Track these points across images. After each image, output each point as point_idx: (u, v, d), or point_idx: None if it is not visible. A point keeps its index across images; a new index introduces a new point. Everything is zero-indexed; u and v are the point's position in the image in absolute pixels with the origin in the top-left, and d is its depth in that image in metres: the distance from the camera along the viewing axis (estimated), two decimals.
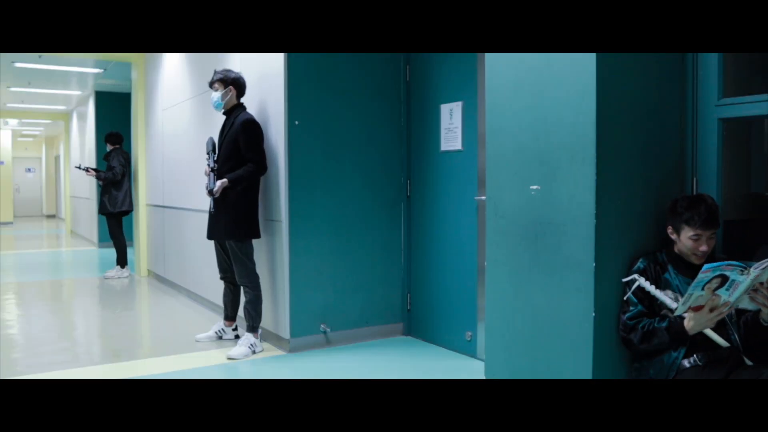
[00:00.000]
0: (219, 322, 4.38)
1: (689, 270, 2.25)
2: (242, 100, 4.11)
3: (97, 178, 7.17)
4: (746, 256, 2.25)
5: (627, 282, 2.29)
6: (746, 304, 2.07)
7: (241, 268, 3.98)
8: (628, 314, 2.28)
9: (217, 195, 3.89)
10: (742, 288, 1.98)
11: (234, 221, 3.92)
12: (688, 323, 2.13)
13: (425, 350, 4.09)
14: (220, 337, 4.33)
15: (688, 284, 2.23)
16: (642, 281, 2.24)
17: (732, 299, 2.02)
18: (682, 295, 2.22)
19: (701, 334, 2.16)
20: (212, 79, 4.04)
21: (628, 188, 2.35)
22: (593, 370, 2.29)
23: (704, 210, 2.18)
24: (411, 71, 4.34)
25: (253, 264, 4.03)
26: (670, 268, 2.29)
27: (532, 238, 2.49)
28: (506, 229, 2.61)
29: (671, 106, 2.46)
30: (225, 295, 4.29)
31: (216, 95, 4.02)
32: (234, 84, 4.03)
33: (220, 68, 4.23)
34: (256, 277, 4.04)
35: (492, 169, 2.69)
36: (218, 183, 3.88)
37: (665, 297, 2.22)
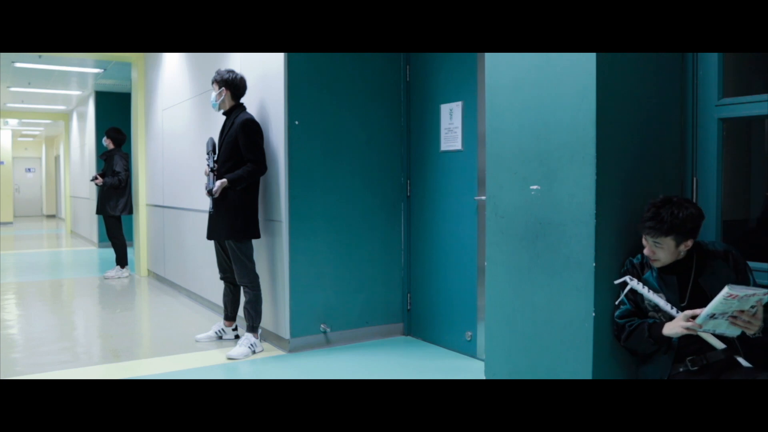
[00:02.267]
0: (219, 322, 4.38)
1: (666, 270, 2.24)
2: (243, 100, 4.11)
3: (102, 184, 6.99)
4: (746, 256, 2.25)
5: (620, 284, 2.28)
6: (724, 330, 2.01)
7: (240, 268, 3.98)
8: (617, 312, 2.29)
9: (216, 195, 3.89)
10: (716, 303, 1.93)
11: (233, 221, 3.92)
12: (666, 326, 2.12)
13: (425, 350, 4.09)
14: (220, 337, 4.33)
15: (665, 284, 2.22)
16: (634, 283, 2.21)
17: (708, 309, 1.97)
18: (663, 295, 2.22)
19: (697, 337, 2.14)
20: (213, 78, 4.06)
21: (628, 188, 2.35)
22: (593, 370, 2.29)
23: (647, 215, 2.15)
24: (411, 71, 4.34)
25: (253, 264, 4.03)
26: (647, 268, 2.28)
27: (532, 238, 2.49)
28: (506, 229, 2.61)
29: (671, 106, 2.46)
30: (225, 295, 4.29)
31: (212, 95, 4.05)
32: (227, 85, 4.00)
33: (222, 68, 4.24)
34: (256, 277, 4.04)
35: (492, 169, 2.69)
36: (218, 183, 3.88)
37: (658, 299, 2.19)
